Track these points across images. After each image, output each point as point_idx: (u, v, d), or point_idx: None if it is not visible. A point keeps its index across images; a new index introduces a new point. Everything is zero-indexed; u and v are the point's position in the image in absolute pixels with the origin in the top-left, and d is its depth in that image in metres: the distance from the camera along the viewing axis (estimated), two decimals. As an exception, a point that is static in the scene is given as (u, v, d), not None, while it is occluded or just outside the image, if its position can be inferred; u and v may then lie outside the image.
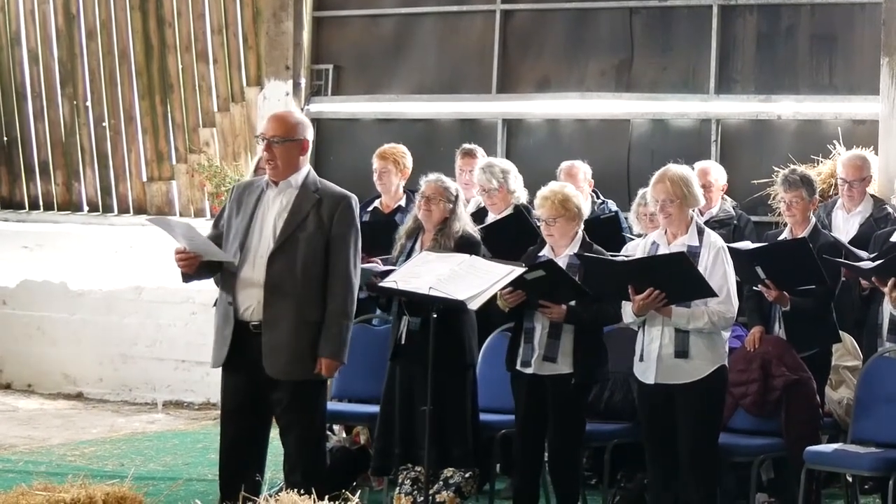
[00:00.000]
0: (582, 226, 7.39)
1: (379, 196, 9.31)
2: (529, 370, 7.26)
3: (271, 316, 6.38)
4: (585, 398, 7.39)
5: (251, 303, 6.42)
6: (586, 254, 7.12)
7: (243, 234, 6.46)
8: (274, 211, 6.47)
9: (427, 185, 7.75)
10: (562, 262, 7.24)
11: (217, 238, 6.59)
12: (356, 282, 6.52)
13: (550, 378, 7.22)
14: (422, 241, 7.78)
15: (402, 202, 9.16)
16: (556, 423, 7.26)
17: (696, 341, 6.85)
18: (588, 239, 7.38)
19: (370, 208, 9.27)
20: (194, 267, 6.43)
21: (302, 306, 6.39)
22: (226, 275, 6.50)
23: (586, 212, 9.17)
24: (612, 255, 7.24)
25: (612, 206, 9.53)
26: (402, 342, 7.52)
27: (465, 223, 7.74)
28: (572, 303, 7.16)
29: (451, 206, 7.69)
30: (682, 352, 6.84)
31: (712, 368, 6.88)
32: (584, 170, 9.46)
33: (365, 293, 8.76)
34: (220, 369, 6.59)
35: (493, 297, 7.07)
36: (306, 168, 6.56)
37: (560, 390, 7.20)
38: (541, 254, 7.39)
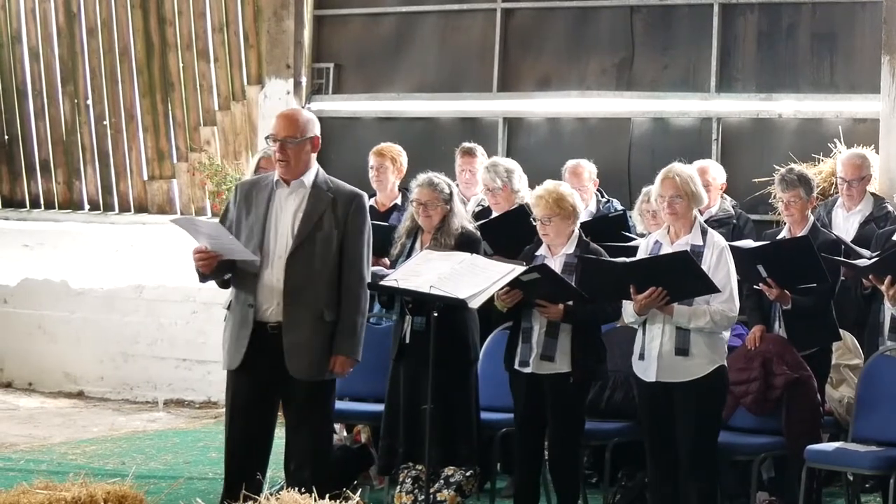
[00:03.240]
0: (578, 224, 7.36)
1: (373, 195, 9.29)
2: (528, 369, 7.25)
3: (291, 317, 6.43)
4: (584, 396, 7.38)
5: (270, 304, 6.47)
6: (586, 256, 7.11)
7: (259, 234, 6.49)
8: (289, 211, 6.50)
9: (420, 191, 7.72)
10: (559, 261, 7.23)
11: None
12: (369, 279, 6.62)
13: (549, 377, 7.21)
14: (421, 241, 7.77)
15: (398, 200, 9.15)
16: (555, 422, 7.25)
17: (696, 340, 6.85)
18: (585, 237, 7.36)
19: (365, 207, 9.26)
20: (212, 267, 6.45)
21: (321, 306, 6.45)
22: (246, 277, 6.51)
23: (590, 211, 9.26)
24: (612, 257, 7.23)
25: (617, 204, 9.52)
26: (407, 342, 7.51)
27: (462, 219, 7.74)
28: (569, 302, 7.15)
29: (448, 205, 7.68)
30: (682, 350, 6.84)
31: (712, 367, 6.88)
32: (589, 169, 9.46)
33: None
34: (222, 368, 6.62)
35: (491, 298, 7.08)
36: (315, 165, 6.59)
37: (559, 389, 7.19)
38: (537, 253, 7.36)
